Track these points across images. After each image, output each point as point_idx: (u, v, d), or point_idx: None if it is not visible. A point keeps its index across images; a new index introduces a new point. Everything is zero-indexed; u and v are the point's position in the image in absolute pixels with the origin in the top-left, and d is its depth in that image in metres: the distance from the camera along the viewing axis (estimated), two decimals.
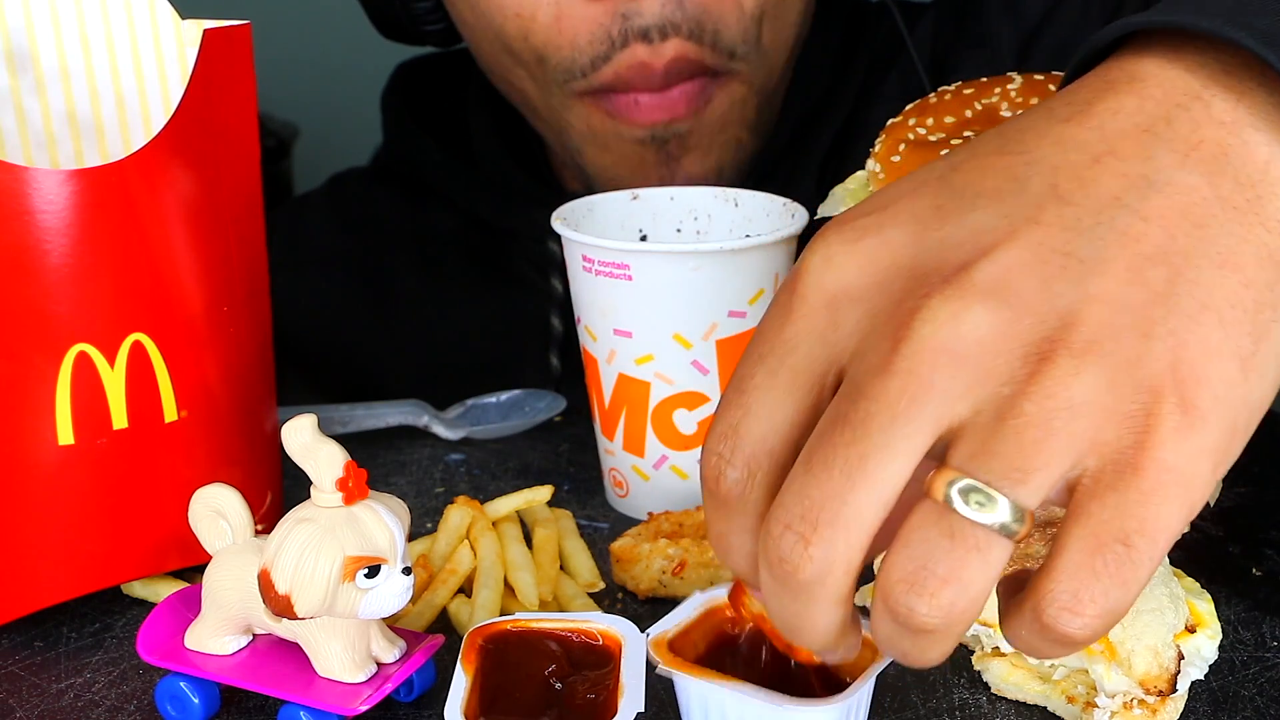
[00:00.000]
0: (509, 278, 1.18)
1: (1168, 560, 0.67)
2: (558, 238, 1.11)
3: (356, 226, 1.25)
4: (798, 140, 1.12)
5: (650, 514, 0.82)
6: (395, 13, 1.12)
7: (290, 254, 1.20)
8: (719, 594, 0.67)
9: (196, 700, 0.66)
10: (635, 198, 0.93)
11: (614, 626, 0.65)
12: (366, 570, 0.62)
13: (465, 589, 0.77)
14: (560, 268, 1.12)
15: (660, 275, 0.81)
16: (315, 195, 1.31)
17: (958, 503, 0.44)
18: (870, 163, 0.79)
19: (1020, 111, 0.78)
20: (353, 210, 1.27)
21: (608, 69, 0.99)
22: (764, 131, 1.10)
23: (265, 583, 0.62)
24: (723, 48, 1.00)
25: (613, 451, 0.87)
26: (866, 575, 0.78)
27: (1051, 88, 0.79)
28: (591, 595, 0.77)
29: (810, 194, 0.83)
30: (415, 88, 1.26)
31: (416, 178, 1.23)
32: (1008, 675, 0.68)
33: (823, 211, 0.80)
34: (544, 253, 1.14)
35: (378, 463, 0.96)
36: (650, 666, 0.62)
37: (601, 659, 0.65)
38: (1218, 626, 0.66)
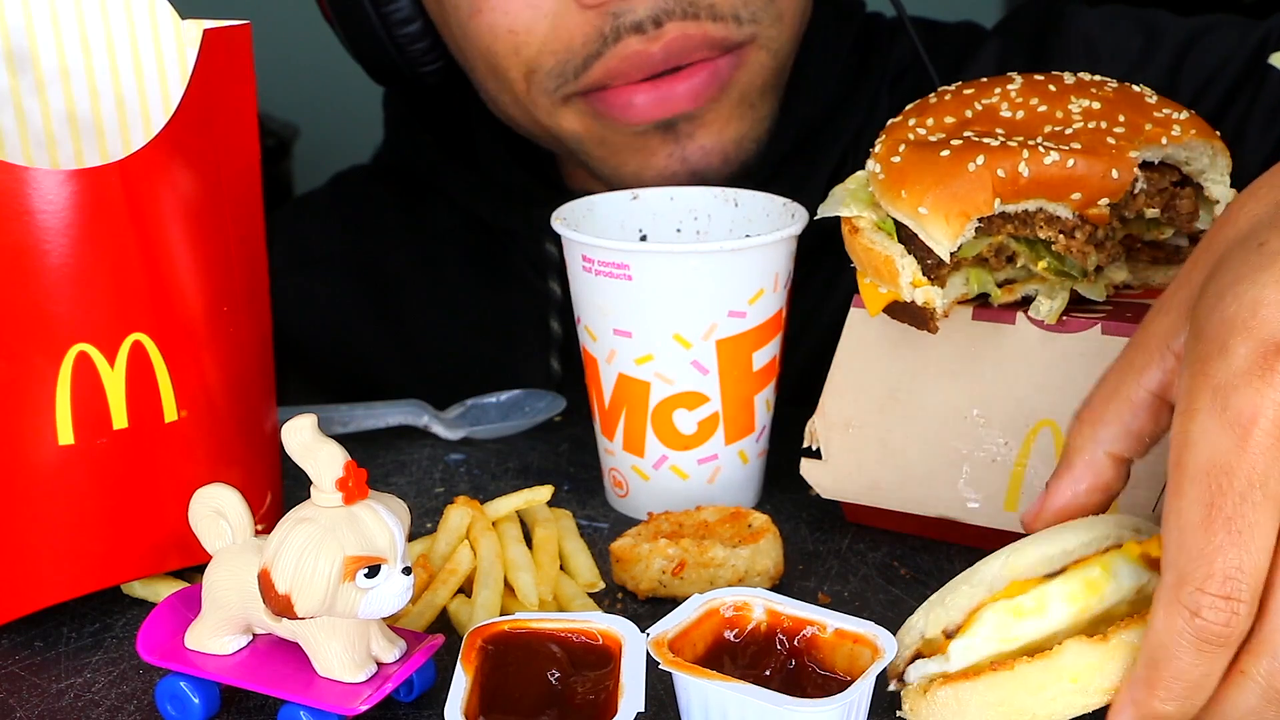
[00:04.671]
0: (508, 278, 1.18)
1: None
2: (555, 239, 1.11)
3: (357, 225, 1.24)
4: (805, 148, 1.11)
5: (650, 514, 0.82)
6: (390, 59, 1.10)
7: (293, 255, 1.20)
8: (719, 595, 0.67)
9: (196, 700, 0.67)
10: (635, 198, 0.93)
11: (614, 626, 0.65)
12: (366, 570, 0.62)
13: (465, 589, 0.77)
14: (558, 270, 1.12)
15: (660, 275, 0.81)
16: (317, 195, 1.31)
17: None
18: (870, 163, 0.78)
19: (1018, 112, 0.78)
20: (353, 209, 1.26)
21: (597, 66, 0.98)
22: (779, 101, 1.07)
23: (265, 583, 0.62)
24: (724, 16, 0.98)
25: (613, 451, 0.87)
26: (876, 561, 0.77)
27: (1052, 88, 0.79)
28: (591, 595, 0.77)
29: (818, 203, 0.83)
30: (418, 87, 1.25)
31: (416, 175, 1.22)
32: None
33: (823, 212, 0.80)
34: (541, 254, 1.13)
35: (378, 463, 0.96)
36: (652, 665, 0.62)
37: (601, 659, 0.65)
38: None
